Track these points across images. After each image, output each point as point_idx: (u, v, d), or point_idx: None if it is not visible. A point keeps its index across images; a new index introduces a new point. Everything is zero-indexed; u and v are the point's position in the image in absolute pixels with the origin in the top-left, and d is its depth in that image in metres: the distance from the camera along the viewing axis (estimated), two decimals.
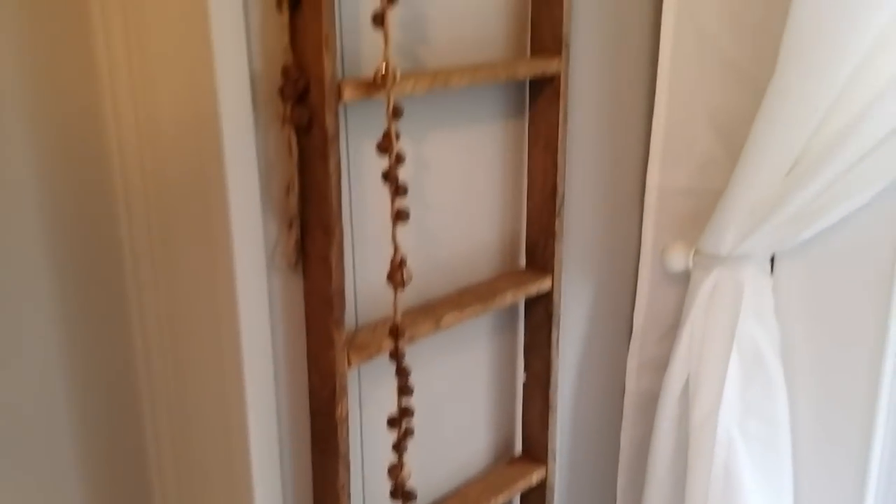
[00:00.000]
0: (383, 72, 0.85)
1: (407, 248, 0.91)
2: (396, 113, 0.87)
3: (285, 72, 0.83)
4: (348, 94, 0.85)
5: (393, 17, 0.84)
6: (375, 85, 0.86)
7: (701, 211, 1.30)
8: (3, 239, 0.86)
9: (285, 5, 0.82)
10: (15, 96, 0.84)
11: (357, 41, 0.90)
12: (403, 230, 0.90)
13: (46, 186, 0.88)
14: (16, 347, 0.88)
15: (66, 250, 0.90)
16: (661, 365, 1.35)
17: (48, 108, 0.87)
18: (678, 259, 1.30)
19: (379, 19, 0.84)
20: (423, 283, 1.04)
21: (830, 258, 1.24)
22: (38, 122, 0.86)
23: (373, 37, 0.86)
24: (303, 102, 0.84)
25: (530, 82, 1.10)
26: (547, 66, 1.06)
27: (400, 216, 0.90)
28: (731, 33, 1.26)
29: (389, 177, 0.88)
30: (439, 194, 1.05)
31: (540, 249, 1.15)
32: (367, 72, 0.92)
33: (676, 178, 1.34)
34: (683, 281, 1.32)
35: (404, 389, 0.93)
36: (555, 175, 1.11)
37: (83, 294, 0.93)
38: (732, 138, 1.28)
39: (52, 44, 0.86)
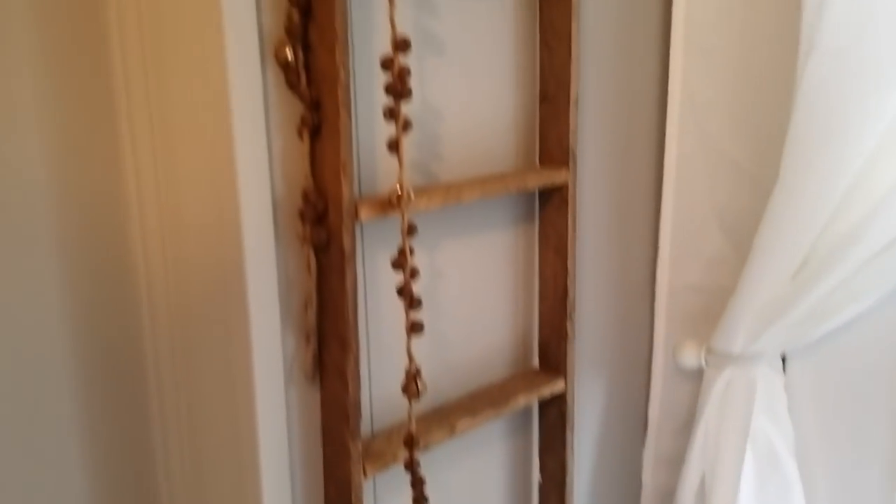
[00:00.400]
0: (398, 192, 0.89)
1: (421, 354, 0.94)
2: (411, 231, 0.91)
3: (305, 196, 0.88)
4: (365, 213, 0.89)
5: (406, 141, 0.89)
6: (391, 204, 0.90)
7: (711, 307, 1.32)
8: (28, 340, 0.90)
9: (306, 134, 0.87)
10: (44, 207, 0.89)
11: (373, 160, 0.95)
12: (417, 339, 0.92)
13: (72, 294, 0.92)
14: (38, 455, 0.91)
15: (89, 353, 0.94)
16: (677, 459, 1.35)
17: (76, 219, 0.92)
18: (690, 357, 1.31)
19: (394, 145, 0.88)
20: (436, 387, 1.06)
21: (842, 356, 1.25)
22: (66, 234, 0.91)
23: (388, 155, 0.91)
24: (321, 223, 0.88)
25: (539, 191, 1.14)
26: (555, 177, 1.10)
27: (414, 329, 0.92)
28: (734, 136, 1.30)
29: (404, 292, 0.91)
30: (453, 301, 1.08)
31: (553, 351, 1.17)
32: (383, 185, 0.97)
33: (686, 275, 1.36)
34: (697, 376, 1.33)
35: (420, 500, 0.95)
36: (565, 279, 1.14)
37: (104, 397, 0.96)
38: (739, 236, 1.30)
39: (82, 161, 0.91)
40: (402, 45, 0.86)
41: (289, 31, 0.83)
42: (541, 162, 1.14)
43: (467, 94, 1.05)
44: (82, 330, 0.93)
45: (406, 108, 0.88)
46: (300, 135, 0.87)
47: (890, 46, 1.08)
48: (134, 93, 0.91)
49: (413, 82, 0.88)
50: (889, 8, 1.08)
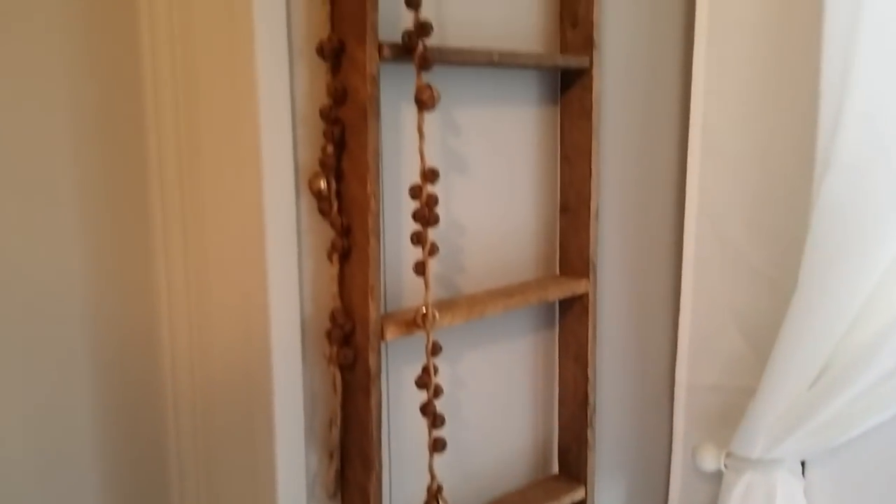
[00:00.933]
0: (423, 312, 0.91)
1: (441, 465, 0.95)
2: (435, 350, 0.93)
3: (333, 316, 0.90)
4: (390, 333, 0.91)
5: (432, 264, 0.92)
6: (416, 324, 0.92)
7: (730, 408, 1.32)
8: (58, 457, 0.92)
9: (336, 257, 0.89)
10: (79, 322, 0.92)
11: (399, 279, 0.97)
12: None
13: (101, 406, 0.94)
14: None
15: (115, 467, 0.95)
16: None
17: (108, 333, 0.94)
18: (710, 460, 1.31)
19: (420, 269, 0.91)
20: (456, 496, 1.07)
21: (862, 462, 1.24)
22: (98, 348, 0.93)
23: (414, 275, 0.93)
24: (348, 343, 0.90)
25: (560, 301, 1.16)
26: (576, 287, 1.12)
27: (437, 446, 0.94)
28: (751, 239, 1.32)
29: (427, 411, 0.93)
30: (474, 410, 1.09)
31: (573, 458, 1.18)
32: (408, 300, 0.99)
33: (705, 375, 1.37)
34: (716, 479, 1.32)
35: None
36: (585, 386, 1.15)
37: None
38: (758, 337, 1.31)
39: (116, 280, 0.94)
40: (430, 175, 0.89)
41: (323, 164, 0.87)
42: (561, 271, 1.17)
43: (490, 207, 1.08)
44: (110, 443, 0.95)
45: (432, 232, 0.90)
46: (330, 258, 0.90)
47: None
48: (170, 215, 0.95)
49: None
50: None
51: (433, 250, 0.91)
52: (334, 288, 0.90)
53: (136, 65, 0.91)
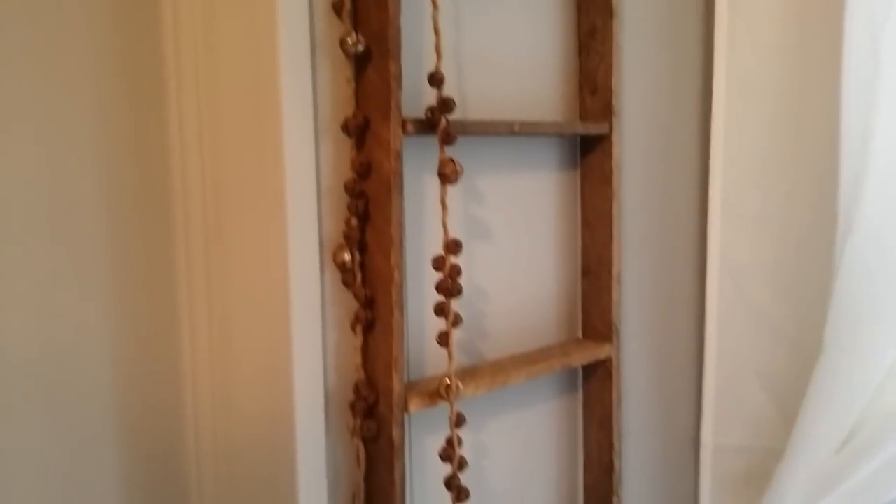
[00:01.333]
0: (447, 383, 0.91)
1: None
2: (459, 422, 0.92)
3: (356, 389, 0.90)
4: (414, 405, 0.91)
5: (455, 333, 0.92)
6: (439, 395, 0.91)
7: (757, 470, 1.30)
8: None
9: (359, 329, 0.89)
10: (104, 391, 0.92)
11: (421, 349, 0.97)
12: None
13: (125, 472, 0.94)
14: None
15: None
16: None
17: (133, 404, 0.94)
18: None
19: (444, 339, 0.91)
20: None
21: None
22: (123, 413, 0.93)
23: (436, 344, 0.93)
24: (371, 415, 0.90)
25: (583, 365, 1.15)
26: (599, 352, 1.11)
27: None
28: (774, 298, 1.31)
29: (452, 484, 0.92)
30: (497, 478, 1.08)
31: None
32: (430, 369, 0.99)
33: (730, 437, 1.34)
34: None
35: None
36: (611, 452, 1.14)
37: None
38: (784, 398, 1.29)
39: (141, 348, 0.94)
40: (453, 247, 0.90)
41: (347, 237, 0.87)
42: (584, 335, 1.16)
43: (512, 272, 1.08)
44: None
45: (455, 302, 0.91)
46: (354, 330, 0.90)
47: None
48: (195, 286, 0.95)
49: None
50: None
51: (457, 321, 0.91)
52: (357, 359, 0.90)
53: (164, 137, 0.93)
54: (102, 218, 0.90)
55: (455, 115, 0.89)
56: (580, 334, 1.17)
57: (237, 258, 0.91)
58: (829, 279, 1.18)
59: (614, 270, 1.12)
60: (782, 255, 1.31)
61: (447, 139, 0.87)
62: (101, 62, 0.88)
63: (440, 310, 0.91)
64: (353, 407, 0.90)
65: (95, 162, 0.89)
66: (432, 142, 0.89)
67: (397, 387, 0.89)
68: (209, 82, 0.90)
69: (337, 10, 0.83)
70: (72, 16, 0.86)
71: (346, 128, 0.86)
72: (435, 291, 0.91)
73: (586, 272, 1.15)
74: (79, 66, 0.86)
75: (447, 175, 0.87)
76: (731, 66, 1.30)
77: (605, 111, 1.10)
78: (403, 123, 0.86)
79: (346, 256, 0.88)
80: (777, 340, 1.31)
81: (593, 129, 1.09)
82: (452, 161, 0.87)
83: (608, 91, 1.10)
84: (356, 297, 0.89)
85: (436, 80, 0.86)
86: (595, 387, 1.15)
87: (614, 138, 1.10)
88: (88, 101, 0.87)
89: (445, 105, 0.87)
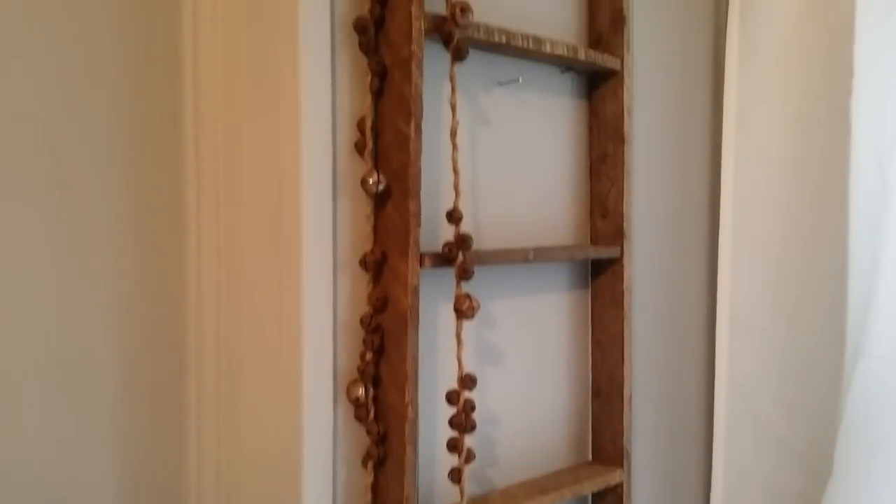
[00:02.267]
0: None
1: None
2: None
3: None
4: None
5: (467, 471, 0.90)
6: None
7: None
8: None
9: (370, 465, 0.87)
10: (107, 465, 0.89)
11: (432, 479, 0.95)
12: None
13: None
14: None
15: None
16: None
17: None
18: None
19: (456, 476, 0.89)
20: None
21: None
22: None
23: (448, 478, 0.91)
24: None
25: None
26: (610, 478, 1.09)
27: None
28: (781, 414, 1.29)
29: None
30: None
31: None
32: (440, 500, 0.96)
33: None
34: None
35: None
36: None
37: None
38: None
39: (147, 447, 0.91)
40: (468, 382, 0.88)
41: (362, 372, 0.86)
42: (594, 458, 1.14)
43: (522, 395, 1.06)
44: None
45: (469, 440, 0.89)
46: (365, 466, 0.87)
47: None
48: (205, 419, 0.93)
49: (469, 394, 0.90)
50: None
51: (469, 458, 0.89)
52: (368, 497, 0.88)
53: (181, 267, 0.92)
54: (114, 360, 0.88)
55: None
56: (590, 456, 1.15)
57: (249, 390, 0.89)
58: (838, 397, 1.17)
59: (626, 392, 1.11)
60: (790, 370, 1.30)
61: (464, 275, 0.87)
62: (121, 196, 0.88)
63: (453, 446, 0.89)
64: None
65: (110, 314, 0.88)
66: (447, 273, 0.89)
67: None
68: (230, 214, 0.90)
69: (359, 149, 0.84)
70: (91, 154, 0.86)
71: (364, 263, 0.85)
72: (447, 424, 0.89)
73: (597, 394, 1.14)
74: (95, 208, 0.86)
75: (463, 311, 0.87)
76: (738, 181, 1.31)
77: (617, 234, 1.11)
78: (421, 258, 0.85)
79: (360, 391, 0.86)
80: (785, 457, 1.29)
81: (605, 252, 1.09)
82: (469, 297, 0.87)
83: (619, 215, 1.10)
84: (369, 432, 0.87)
85: (454, 217, 0.87)
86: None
87: (625, 261, 1.10)
88: (107, 250, 0.87)
89: (463, 241, 0.87)
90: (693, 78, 1.31)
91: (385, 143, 0.85)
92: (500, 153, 1.01)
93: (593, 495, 1.14)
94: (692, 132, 1.31)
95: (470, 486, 0.99)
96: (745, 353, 1.32)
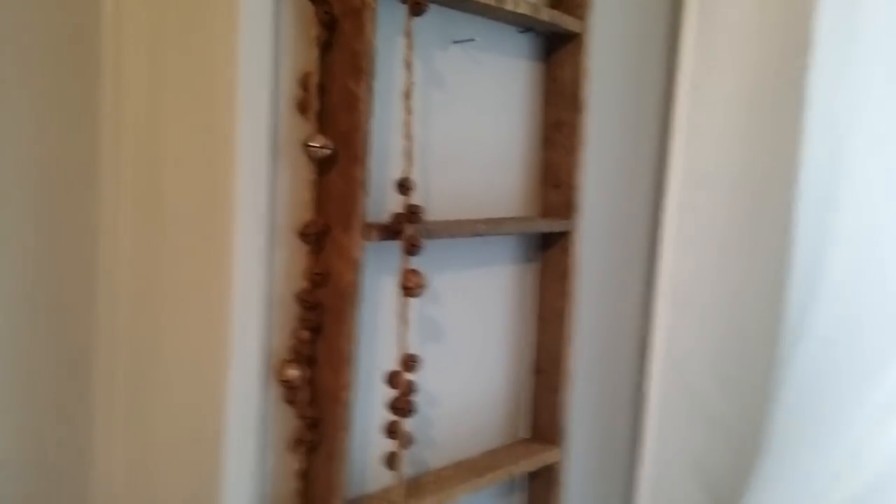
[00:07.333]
0: None
1: None
2: None
3: None
4: None
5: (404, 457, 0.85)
6: None
7: None
8: None
9: (301, 451, 0.81)
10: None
11: (364, 461, 0.89)
12: None
13: None
14: None
15: None
16: None
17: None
18: None
19: (392, 461, 0.84)
20: None
21: None
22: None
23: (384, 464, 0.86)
24: None
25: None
26: (547, 457, 1.06)
27: None
28: (719, 393, 1.29)
29: None
30: None
31: None
32: (371, 484, 0.91)
33: None
34: None
35: None
36: None
37: None
38: (719, 492, 1.28)
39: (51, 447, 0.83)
40: (410, 363, 0.83)
41: (296, 351, 0.79)
42: (532, 435, 1.11)
43: (462, 372, 1.02)
44: None
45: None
46: (294, 452, 0.81)
47: (873, 338, 1.10)
48: (117, 399, 0.85)
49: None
50: (872, 300, 1.11)
51: (408, 442, 0.84)
52: (296, 484, 0.82)
53: (93, 228, 0.82)
54: (24, 324, 0.78)
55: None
56: (527, 434, 1.12)
57: (168, 370, 0.81)
58: (774, 377, 1.17)
59: (567, 369, 1.08)
60: (727, 347, 1.30)
61: (413, 250, 0.80)
62: (30, 154, 0.77)
63: (391, 430, 0.83)
64: None
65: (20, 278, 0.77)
66: (391, 246, 0.82)
67: None
68: (152, 176, 0.79)
69: (302, 109, 0.75)
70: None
71: (303, 234, 0.77)
72: (382, 406, 0.84)
73: (538, 371, 1.10)
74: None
75: (410, 289, 0.80)
76: (687, 155, 1.28)
77: (568, 207, 1.05)
78: (367, 231, 0.78)
79: (293, 372, 0.79)
80: (717, 433, 1.29)
81: (557, 226, 1.04)
82: (417, 273, 0.81)
83: (572, 187, 1.05)
84: (300, 416, 0.80)
85: (405, 187, 0.79)
86: (539, 489, 1.09)
87: (575, 235, 1.06)
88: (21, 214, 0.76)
89: (414, 213, 0.80)
90: (649, 47, 1.26)
91: (331, 103, 0.76)
92: (453, 118, 0.94)
93: (532, 474, 1.11)
94: (644, 103, 1.27)
95: (404, 471, 0.94)
96: (684, 330, 1.31)
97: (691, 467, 1.31)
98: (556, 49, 1.06)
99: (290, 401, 0.80)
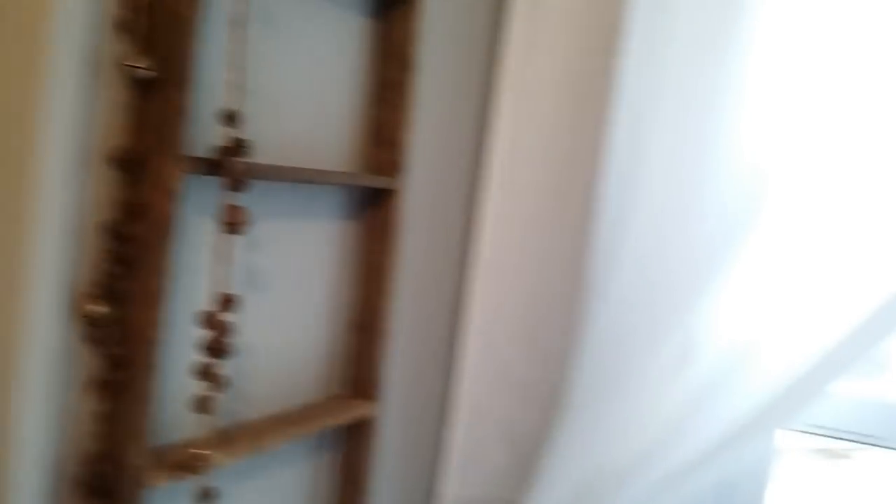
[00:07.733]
0: (200, 454, 0.81)
1: None
2: (210, 497, 0.82)
3: (90, 462, 0.76)
4: (157, 479, 0.79)
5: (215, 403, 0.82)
6: (189, 469, 0.81)
7: None
8: None
9: (102, 392, 0.76)
10: None
11: (171, 406, 0.86)
12: None
13: None
14: None
15: None
16: None
17: None
18: None
19: (203, 406, 0.81)
20: None
21: None
22: None
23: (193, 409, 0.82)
24: (108, 495, 0.77)
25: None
26: (363, 411, 1.08)
27: None
28: (524, 357, 1.37)
29: None
30: None
31: None
32: (176, 432, 0.87)
33: (470, 487, 1.38)
34: None
35: None
36: None
37: None
38: (521, 448, 1.36)
39: None
40: (228, 303, 0.80)
41: (103, 286, 0.74)
42: (351, 391, 1.11)
43: (281, 325, 1.00)
44: None
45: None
46: (94, 392, 0.76)
47: (665, 300, 1.21)
48: None
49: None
50: (665, 266, 1.21)
51: (222, 386, 0.81)
52: (96, 427, 0.76)
53: None
54: None
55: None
56: (345, 390, 1.12)
57: None
58: (576, 341, 1.26)
59: (385, 327, 1.09)
60: (534, 312, 1.37)
61: (237, 186, 0.78)
62: None
63: (204, 372, 0.81)
64: (83, 484, 0.77)
65: None
66: (210, 183, 0.79)
67: (139, 460, 0.77)
68: None
69: (124, 27, 0.70)
70: None
71: (116, 160, 0.73)
72: (191, 350, 0.81)
73: (358, 327, 1.11)
74: None
75: (234, 225, 0.78)
76: (507, 126, 1.34)
77: (394, 166, 1.07)
78: (187, 162, 0.75)
79: (96, 308, 0.74)
80: (524, 395, 1.37)
81: (383, 182, 1.05)
82: (241, 210, 0.78)
83: (399, 146, 1.07)
84: (105, 355, 0.76)
85: (232, 119, 0.77)
86: (355, 445, 1.10)
87: (400, 193, 1.08)
88: None
89: (240, 147, 0.77)
90: (480, 14, 1.30)
91: (155, 23, 0.72)
92: (285, 62, 0.92)
93: (347, 429, 1.12)
94: (473, 71, 1.31)
95: (215, 419, 0.91)
96: (494, 296, 1.37)
97: (498, 424, 1.38)
98: (390, 8, 1.07)
99: (95, 338, 0.75)
